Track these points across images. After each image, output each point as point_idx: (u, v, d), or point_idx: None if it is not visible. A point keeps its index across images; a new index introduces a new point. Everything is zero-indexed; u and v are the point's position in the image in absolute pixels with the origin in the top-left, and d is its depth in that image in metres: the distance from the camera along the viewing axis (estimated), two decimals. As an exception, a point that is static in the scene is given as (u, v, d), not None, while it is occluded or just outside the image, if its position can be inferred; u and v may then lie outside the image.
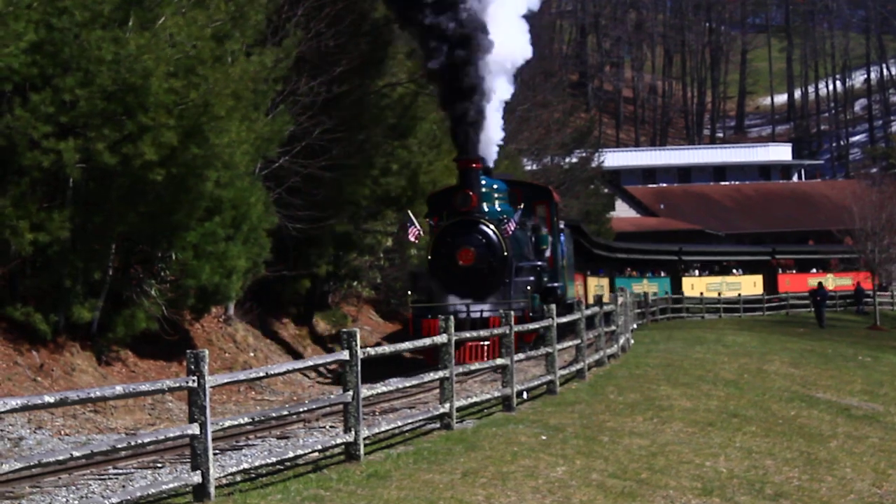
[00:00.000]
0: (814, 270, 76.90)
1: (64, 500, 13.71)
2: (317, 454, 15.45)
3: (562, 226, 36.76)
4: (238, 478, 14.08)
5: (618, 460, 16.53)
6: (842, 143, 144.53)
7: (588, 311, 26.93)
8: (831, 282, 72.86)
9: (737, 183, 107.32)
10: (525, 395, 21.78)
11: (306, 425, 19.31)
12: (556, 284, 33.46)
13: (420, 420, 17.90)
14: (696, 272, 72.66)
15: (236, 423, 13.88)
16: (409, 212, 31.40)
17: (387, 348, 17.55)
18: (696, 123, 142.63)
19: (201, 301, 27.76)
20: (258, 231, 28.53)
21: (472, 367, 20.68)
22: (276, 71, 27.43)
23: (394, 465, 14.96)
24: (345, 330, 15.58)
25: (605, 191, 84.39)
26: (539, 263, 31.86)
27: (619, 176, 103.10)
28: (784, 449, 19.23)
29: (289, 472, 14.62)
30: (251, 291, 32.83)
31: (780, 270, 75.14)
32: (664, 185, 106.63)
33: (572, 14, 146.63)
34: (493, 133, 33.54)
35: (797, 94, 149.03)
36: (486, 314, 29.28)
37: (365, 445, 15.54)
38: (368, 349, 16.07)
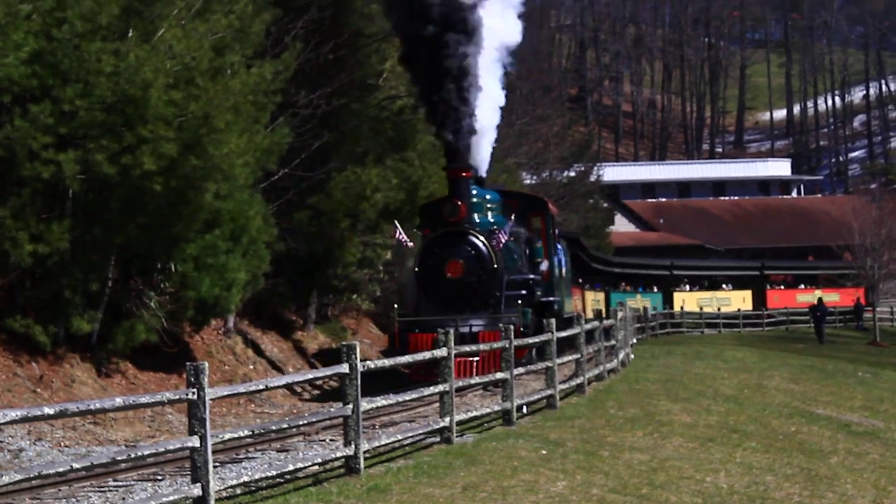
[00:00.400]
0: (802, 286, 77.02)
1: (63, 512, 13.67)
2: (317, 467, 15.41)
3: (559, 238, 35.95)
4: (238, 490, 14.04)
5: (618, 475, 16.48)
6: (841, 158, 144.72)
7: (588, 326, 26.87)
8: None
9: (736, 198, 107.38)
10: (525, 410, 21.74)
11: (306, 438, 19.27)
12: (551, 298, 32.27)
13: (420, 434, 17.86)
14: (687, 287, 72.67)
15: (236, 435, 13.83)
16: (396, 222, 30.34)
17: (386, 362, 17.52)
18: (695, 138, 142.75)
19: (201, 313, 27.73)
20: (258, 243, 28.54)
21: (472, 382, 20.65)
22: (276, 83, 27.39)
23: (394, 479, 14.92)
24: (344, 343, 15.55)
25: (605, 205, 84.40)
26: (532, 277, 30.72)
27: (619, 190, 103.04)
28: (784, 465, 19.19)
29: (289, 486, 14.58)
30: (250, 304, 32.82)
31: (768, 286, 75.20)
32: (663, 199, 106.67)
33: (571, 28, 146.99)
34: (486, 142, 32.34)
35: (796, 109, 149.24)
36: (474, 329, 27.96)
37: (365, 459, 15.50)
38: (368, 362, 16.06)
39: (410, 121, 35.70)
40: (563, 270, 35.80)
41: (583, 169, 75.86)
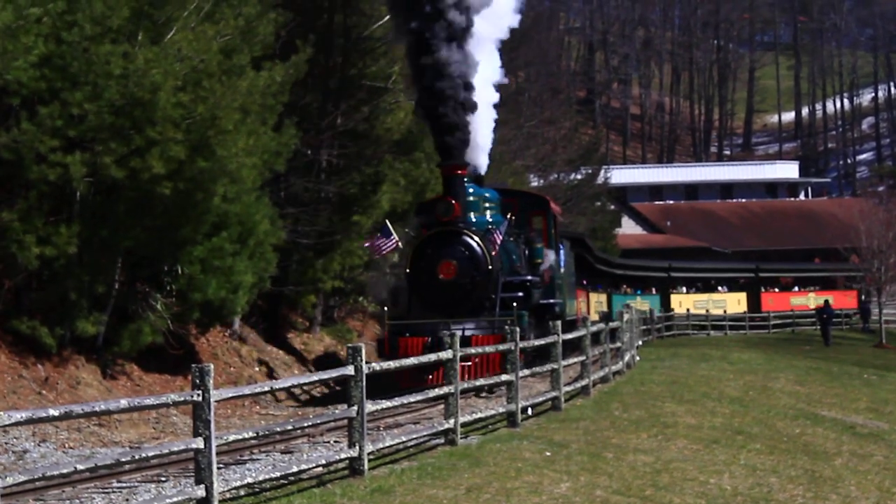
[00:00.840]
0: (796, 289, 77.00)
1: (68, 513, 13.73)
2: (321, 469, 15.46)
3: (562, 238, 34.97)
4: (242, 492, 14.08)
5: (622, 477, 16.51)
6: (849, 161, 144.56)
7: (594, 328, 26.87)
8: (812, 301, 73.11)
9: (744, 200, 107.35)
10: (530, 412, 21.78)
11: (311, 440, 19.31)
12: (551, 301, 31.16)
13: (425, 435, 17.91)
14: (684, 289, 72.65)
15: (241, 437, 13.89)
16: (388, 221, 28.88)
17: (392, 364, 17.58)
18: (703, 141, 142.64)
19: (207, 315, 27.78)
20: (264, 246, 28.57)
21: (477, 384, 20.67)
22: (284, 85, 27.43)
23: (398, 481, 14.96)
24: (350, 345, 15.60)
25: (612, 207, 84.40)
26: (529, 278, 29.32)
27: (626, 193, 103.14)
28: (788, 466, 19.21)
29: (292, 487, 14.62)
30: (257, 306, 32.87)
31: (763, 288, 75.16)
32: (671, 202, 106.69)
33: (580, 31, 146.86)
34: (482, 137, 31.18)
35: (805, 111, 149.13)
36: (468, 333, 26.39)
37: (369, 460, 15.54)
38: (373, 364, 16.13)
39: (419, 122, 35.69)
40: (565, 272, 34.89)
41: (590, 171, 75.84)
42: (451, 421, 17.93)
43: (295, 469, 14.63)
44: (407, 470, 15.76)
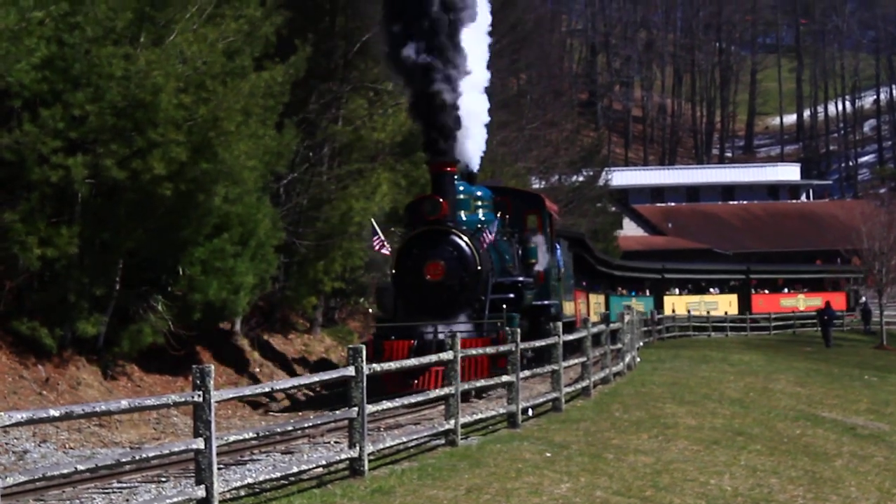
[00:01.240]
0: (786, 291, 77.01)
1: (68, 513, 13.75)
2: (321, 469, 15.47)
3: (559, 238, 34.04)
4: (242, 492, 14.09)
5: (622, 478, 16.52)
6: (850, 163, 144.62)
7: (594, 329, 26.86)
8: (803, 302, 73.08)
9: (745, 202, 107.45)
10: (530, 412, 21.78)
11: (311, 440, 19.32)
12: (545, 302, 30.12)
13: (425, 436, 17.91)
14: (677, 291, 72.65)
15: (241, 437, 13.90)
16: (373, 221, 27.74)
17: (393, 364, 17.61)
18: (704, 143, 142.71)
19: (208, 316, 27.79)
20: (265, 247, 28.59)
21: (478, 384, 20.66)
22: (284, 85, 27.42)
23: (398, 481, 14.97)
24: (350, 346, 15.62)
25: (613, 209, 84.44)
26: (521, 279, 28.35)
27: (628, 195, 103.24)
28: (789, 467, 19.21)
29: (293, 487, 14.63)
30: (258, 307, 32.88)
31: (753, 290, 75.17)
32: (672, 204, 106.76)
33: (583, 33, 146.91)
34: (474, 133, 29.84)
35: (806, 114, 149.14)
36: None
37: (369, 461, 15.55)
38: (374, 365, 16.13)
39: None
40: (562, 272, 33.89)
41: (592, 173, 75.88)
42: (452, 422, 17.94)
43: (295, 469, 14.64)
44: (407, 470, 15.77)
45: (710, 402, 25.29)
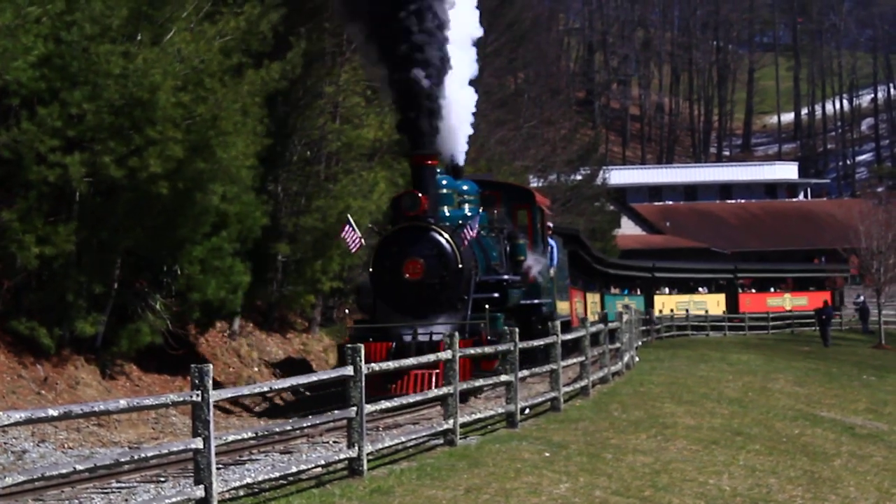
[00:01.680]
0: (772, 290, 77.02)
1: (67, 513, 13.72)
2: (320, 469, 15.45)
3: (553, 234, 33.16)
4: (241, 492, 14.07)
5: (621, 477, 16.51)
6: (848, 161, 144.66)
7: (593, 329, 26.83)
8: (788, 302, 73.04)
9: (743, 201, 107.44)
10: (529, 412, 21.76)
11: (310, 440, 19.30)
12: (535, 301, 29.38)
13: (424, 436, 17.90)
14: (666, 290, 72.62)
15: (240, 437, 13.88)
16: (350, 216, 26.44)
17: (391, 364, 17.59)
18: (702, 141, 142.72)
19: (206, 315, 27.77)
20: (263, 246, 28.56)
21: (476, 384, 20.63)
22: (281, 83, 27.38)
23: (397, 481, 14.95)
24: (350, 346, 15.60)
25: (611, 208, 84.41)
26: (507, 277, 27.23)
27: (625, 193, 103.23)
28: (788, 467, 19.20)
29: (292, 487, 14.61)
30: (256, 306, 32.84)
31: (740, 290, 75.14)
32: (670, 202, 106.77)
33: (580, 31, 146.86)
34: (459, 123, 28.40)
35: (804, 112, 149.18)
36: (435, 338, 24.30)
37: (368, 461, 15.53)
38: (373, 364, 16.11)
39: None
40: (555, 270, 32.94)
41: (589, 172, 75.88)
42: (451, 421, 17.92)
43: (294, 469, 14.62)
44: (406, 470, 15.75)
45: (708, 402, 25.28)
